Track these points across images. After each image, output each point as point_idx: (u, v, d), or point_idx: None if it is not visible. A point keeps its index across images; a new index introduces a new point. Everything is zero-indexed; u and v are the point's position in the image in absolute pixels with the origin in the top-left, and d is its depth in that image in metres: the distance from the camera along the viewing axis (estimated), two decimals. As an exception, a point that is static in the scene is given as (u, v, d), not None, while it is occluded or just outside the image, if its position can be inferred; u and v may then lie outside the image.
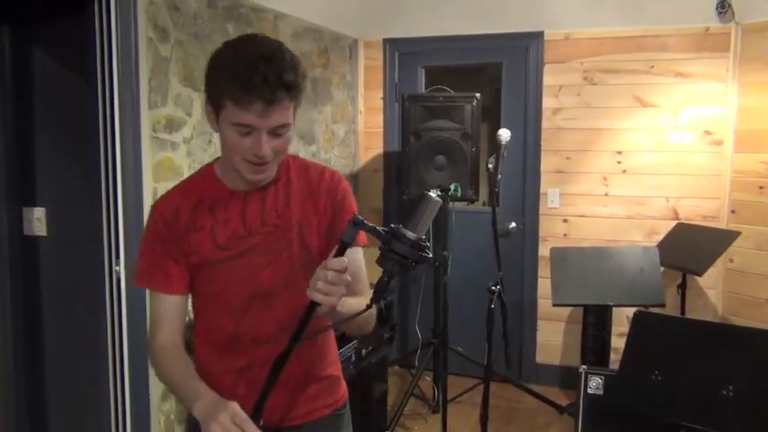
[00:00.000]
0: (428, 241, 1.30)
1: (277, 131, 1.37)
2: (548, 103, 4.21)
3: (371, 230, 1.29)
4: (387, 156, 4.62)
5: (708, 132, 3.99)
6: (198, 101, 2.98)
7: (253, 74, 1.29)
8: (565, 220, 4.28)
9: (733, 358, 2.28)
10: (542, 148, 4.26)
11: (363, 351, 3.06)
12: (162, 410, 2.83)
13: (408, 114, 3.78)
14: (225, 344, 1.52)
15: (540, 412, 3.95)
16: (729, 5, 3.79)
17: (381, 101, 4.61)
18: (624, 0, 4.03)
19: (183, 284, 1.50)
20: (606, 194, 4.19)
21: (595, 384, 3.03)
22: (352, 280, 1.30)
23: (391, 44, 4.57)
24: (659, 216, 4.09)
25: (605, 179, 4.18)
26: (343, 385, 1.68)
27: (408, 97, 3.83)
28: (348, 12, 4.31)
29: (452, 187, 3.59)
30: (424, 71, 4.60)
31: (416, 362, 3.91)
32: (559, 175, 4.26)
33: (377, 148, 4.65)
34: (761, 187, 3.82)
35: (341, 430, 1.64)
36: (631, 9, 4.02)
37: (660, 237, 3.92)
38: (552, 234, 4.29)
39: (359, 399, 3.13)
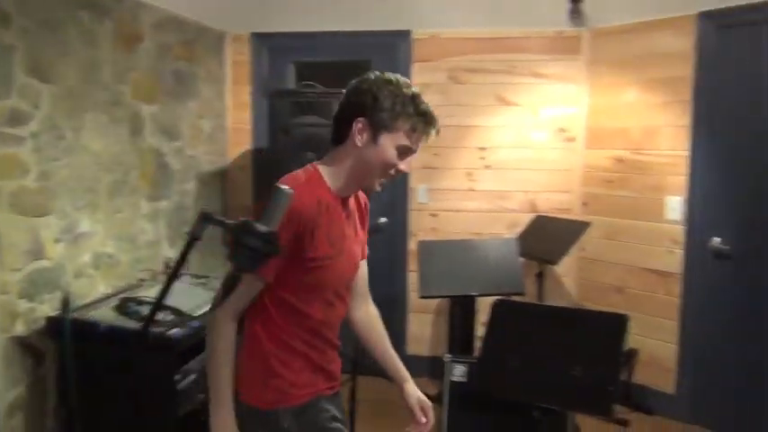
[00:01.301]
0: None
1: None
2: (416, 100, 4.30)
3: (220, 224, 1.27)
4: (256, 152, 4.54)
5: (562, 130, 4.25)
6: (47, 93, 2.79)
7: (432, 113, 1.66)
8: (433, 215, 4.41)
9: (580, 340, 2.45)
10: (411, 145, 4.36)
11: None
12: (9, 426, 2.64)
13: (276, 110, 3.74)
14: (308, 330, 1.71)
15: (410, 403, 4.02)
16: (580, 11, 4.05)
17: (250, 96, 4.53)
18: (486, 2, 4.19)
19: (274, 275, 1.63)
20: (471, 189, 4.35)
21: (459, 372, 3.14)
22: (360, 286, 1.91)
23: (260, 39, 4.50)
24: (520, 209, 4.31)
25: (470, 174, 4.35)
26: None
27: (276, 93, 3.79)
28: (215, 4, 4.20)
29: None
30: (294, 67, 4.57)
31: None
32: (428, 171, 4.38)
33: (245, 144, 4.56)
34: (609, 181, 4.12)
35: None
36: (492, 11, 4.20)
37: (521, 229, 4.14)
38: (421, 228, 4.41)
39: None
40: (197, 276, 3.39)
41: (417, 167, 4.36)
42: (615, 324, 2.41)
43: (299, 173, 1.70)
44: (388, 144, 1.65)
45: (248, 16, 4.44)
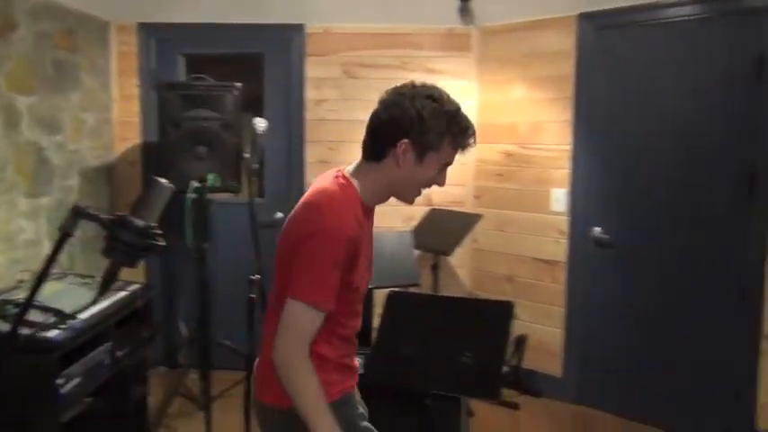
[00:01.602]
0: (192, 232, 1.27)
1: None
2: (311, 94, 4.29)
3: (94, 218, 1.22)
4: (145, 147, 4.38)
5: (456, 125, 4.35)
6: None
7: (472, 125, 1.71)
8: (330, 209, 4.40)
9: (470, 328, 2.52)
10: (306, 139, 4.35)
11: (119, 353, 2.89)
12: None
13: (166, 103, 3.61)
14: (342, 338, 1.75)
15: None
16: (469, 9, 4.16)
17: (137, 88, 4.36)
18: (376, -1, 4.26)
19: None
20: (369, 183, 4.38)
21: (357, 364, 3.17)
22: None
23: (147, 29, 4.33)
24: (416, 202, 4.36)
25: (366, 169, 4.37)
26: None
27: (165, 85, 3.66)
28: (97, -9, 4.01)
29: (210, 178, 3.50)
30: (184, 59, 4.44)
31: (180, 359, 3.77)
32: (323, 166, 4.36)
33: (134, 138, 4.39)
34: (499, 174, 4.27)
35: None
36: (385, 7, 4.25)
37: (415, 222, 4.21)
38: (318, 223, 4.39)
39: (115, 403, 2.95)
40: (81, 276, 3.24)
41: (313, 161, 4.36)
42: (502, 311, 2.50)
43: (335, 187, 1.65)
44: (434, 163, 1.69)
45: (134, 5, 4.27)
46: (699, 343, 3.54)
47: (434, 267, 4.08)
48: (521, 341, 4.16)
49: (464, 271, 4.46)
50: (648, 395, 3.72)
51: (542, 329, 4.14)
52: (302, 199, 1.70)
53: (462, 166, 4.37)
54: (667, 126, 3.57)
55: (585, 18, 3.82)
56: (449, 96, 1.70)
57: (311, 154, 4.36)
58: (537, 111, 4.08)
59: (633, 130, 3.71)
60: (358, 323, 1.83)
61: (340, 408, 1.71)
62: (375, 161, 1.69)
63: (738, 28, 3.33)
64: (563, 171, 3.97)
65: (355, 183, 1.70)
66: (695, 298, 3.53)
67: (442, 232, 3.96)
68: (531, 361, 4.17)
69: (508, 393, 4.11)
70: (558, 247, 4.04)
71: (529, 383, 4.18)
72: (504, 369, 4.01)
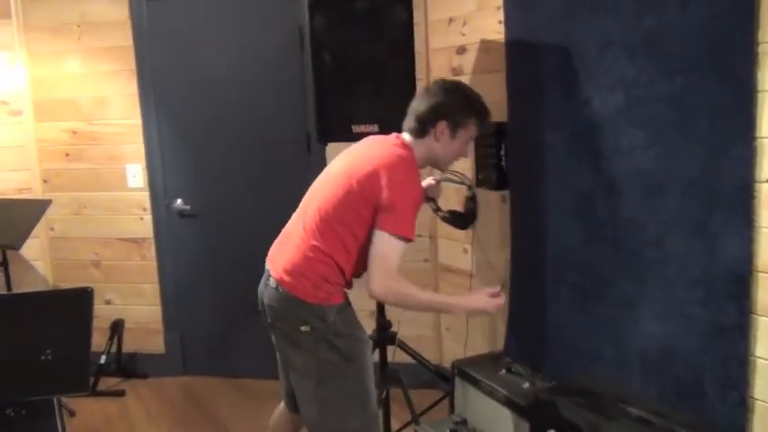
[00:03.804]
0: None
1: None
2: None
3: None
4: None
5: (4, 103, 3.86)
6: None
7: (488, 110, 2.26)
8: None
9: (46, 323, 2.32)
10: None
11: None
12: None
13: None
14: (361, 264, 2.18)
15: None
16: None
17: None
18: None
19: None
20: None
21: None
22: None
23: None
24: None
25: None
26: None
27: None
28: None
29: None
30: None
31: None
32: None
33: None
34: (67, 154, 3.96)
35: None
36: None
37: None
38: None
39: None
40: None
41: None
42: (79, 299, 2.36)
43: (407, 152, 2.19)
44: (462, 137, 2.22)
45: None
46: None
47: (3, 264, 3.63)
48: (117, 325, 4.00)
49: (42, 263, 4.06)
50: (250, 352, 3.92)
51: (139, 309, 4.04)
52: (376, 153, 2.17)
53: (21, 149, 3.93)
54: (231, 96, 3.74)
55: (135, -13, 3.73)
56: (471, 88, 2.26)
57: None
58: (99, 84, 3.86)
59: (200, 101, 3.79)
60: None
61: (344, 309, 2.22)
62: (419, 137, 2.21)
63: (278, 3, 3.62)
64: (136, 146, 3.87)
65: (412, 152, 2.19)
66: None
67: (6, 224, 3.52)
68: (131, 343, 4.05)
69: (112, 382, 3.94)
70: (142, 224, 3.95)
71: (132, 367, 4.06)
72: (102, 358, 3.86)
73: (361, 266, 2.19)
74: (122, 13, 3.75)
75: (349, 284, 2.27)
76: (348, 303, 2.27)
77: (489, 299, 2.21)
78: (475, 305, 2.27)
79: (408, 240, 2.08)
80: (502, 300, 2.22)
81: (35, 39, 3.87)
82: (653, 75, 2.24)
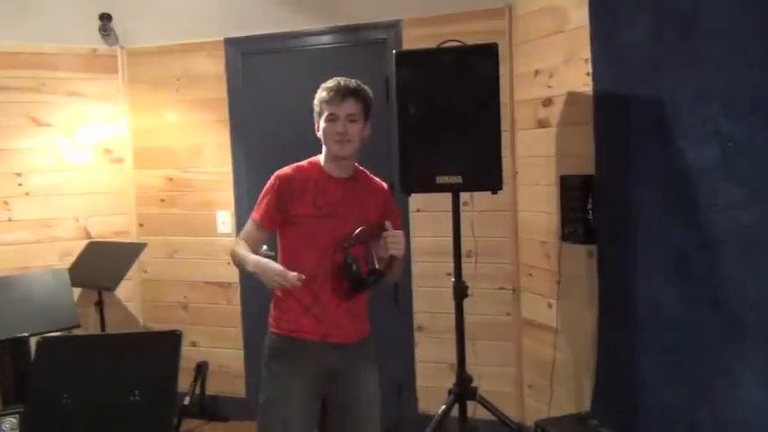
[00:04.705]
0: None
1: (350, 119, 2.29)
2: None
3: None
4: None
5: (108, 151, 4.11)
6: None
7: (335, 84, 2.32)
8: (-36, 254, 3.82)
9: (135, 363, 2.39)
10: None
11: None
12: None
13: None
14: (305, 273, 2.19)
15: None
16: (110, 29, 3.97)
17: None
18: (4, 13, 3.82)
19: (272, 226, 2.38)
20: (10, 219, 3.90)
21: (10, 425, 2.81)
22: None
23: None
24: (70, 237, 4.03)
25: (7, 203, 3.89)
26: (368, 322, 2.48)
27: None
28: None
29: None
30: None
31: None
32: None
33: None
34: (162, 200, 4.15)
35: (368, 349, 2.44)
36: (14, 24, 3.84)
37: (74, 258, 3.87)
38: (-50, 272, 3.77)
39: None
40: None
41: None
42: (168, 341, 2.42)
43: (306, 161, 2.42)
44: (322, 122, 2.32)
45: None
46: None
47: (99, 305, 3.79)
48: (202, 367, 4.09)
49: (135, 304, 4.23)
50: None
51: (223, 352, 4.12)
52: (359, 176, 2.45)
53: (120, 194, 4.15)
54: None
55: (231, 43, 3.92)
56: (335, 79, 2.35)
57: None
58: (195, 134, 4.06)
59: (286, 151, 3.80)
60: (319, 266, 2.33)
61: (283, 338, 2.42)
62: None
63: (367, 56, 3.73)
64: (226, 193, 4.01)
65: (320, 157, 2.41)
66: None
67: (103, 266, 3.71)
68: (214, 386, 4.12)
69: (194, 423, 4.00)
70: (229, 269, 4.03)
71: (214, 409, 4.12)
72: (186, 400, 3.94)
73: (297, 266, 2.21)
74: (219, 67, 3.94)
75: (306, 308, 2.32)
76: (280, 337, 2.38)
77: (279, 279, 2.17)
78: (264, 276, 2.23)
79: (254, 220, 2.38)
80: (291, 282, 2.14)
81: (138, 91, 4.12)
82: (753, 128, 2.14)
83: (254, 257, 2.30)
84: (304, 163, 2.40)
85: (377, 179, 2.52)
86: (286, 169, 2.38)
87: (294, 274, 2.14)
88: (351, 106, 2.30)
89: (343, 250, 2.24)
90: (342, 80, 2.33)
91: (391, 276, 2.39)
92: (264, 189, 2.38)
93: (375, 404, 2.41)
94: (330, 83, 2.33)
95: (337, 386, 2.36)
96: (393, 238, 2.25)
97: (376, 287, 2.31)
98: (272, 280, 2.19)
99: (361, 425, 2.39)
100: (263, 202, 2.36)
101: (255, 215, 2.38)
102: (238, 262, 2.37)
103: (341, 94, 2.29)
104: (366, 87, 2.38)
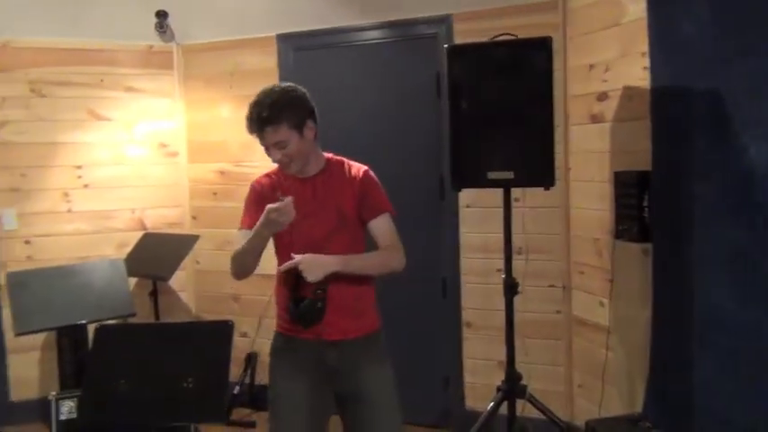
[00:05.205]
0: None
1: (279, 146, 2.18)
2: (-9, 115, 3.83)
3: None
4: None
5: (163, 145, 4.21)
6: None
7: (249, 114, 2.20)
8: (27, 242, 3.96)
9: (189, 352, 2.45)
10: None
11: None
12: None
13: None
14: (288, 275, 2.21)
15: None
16: (166, 26, 4.06)
17: None
18: (66, 12, 3.93)
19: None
20: (69, 210, 4.03)
21: (68, 409, 2.91)
22: (380, 240, 2.29)
23: None
24: (127, 228, 4.14)
25: (67, 195, 4.02)
26: (374, 318, 2.40)
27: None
28: None
29: None
30: None
31: None
32: (15, 194, 3.92)
33: None
34: (215, 193, 4.23)
35: (371, 346, 2.33)
36: (74, 21, 3.95)
37: (130, 248, 3.98)
38: (14, 258, 3.92)
39: None
40: None
41: (2, 189, 3.89)
42: (221, 331, 2.47)
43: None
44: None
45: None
46: (407, 337, 3.84)
47: (153, 294, 3.89)
48: (251, 358, 4.15)
49: (187, 294, 4.32)
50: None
51: (269, 344, 4.16)
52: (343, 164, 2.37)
53: (175, 187, 4.25)
54: (367, 141, 3.84)
55: (283, 39, 3.96)
56: (251, 103, 2.21)
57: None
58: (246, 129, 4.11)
59: (336, 145, 3.87)
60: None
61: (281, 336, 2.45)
62: None
63: (417, 51, 3.72)
64: (279, 186, 4.06)
65: None
66: (403, 293, 3.83)
67: (158, 257, 3.80)
68: (263, 376, 4.17)
69: (244, 412, 4.07)
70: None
71: (263, 399, 4.15)
72: (236, 389, 4.01)
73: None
74: (271, 62, 3.99)
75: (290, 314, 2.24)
76: (280, 336, 2.41)
77: (275, 215, 2.03)
78: (266, 226, 2.10)
79: (241, 228, 2.34)
80: (284, 204, 2.02)
81: (192, 87, 4.21)
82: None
83: (254, 230, 2.16)
84: (274, 169, 2.35)
85: (355, 165, 2.37)
86: (258, 177, 2.40)
87: (283, 199, 2.03)
88: (271, 136, 2.15)
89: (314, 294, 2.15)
90: (254, 108, 2.17)
91: (364, 271, 2.30)
92: (245, 200, 2.39)
93: (383, 401, 2.28)
94: (248, 109, 2.19)
95: (340, 383, 2.30)
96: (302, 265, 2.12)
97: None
98: (272, 220, 2.04)
99: (370, 423, 2.28)
100: (245, 211, 2.36)
101: (242, 224, 2.34)
102: (242, 252, 2.26)
103: (256, 126, 2.16)
104: (286, 94, 2.23)
